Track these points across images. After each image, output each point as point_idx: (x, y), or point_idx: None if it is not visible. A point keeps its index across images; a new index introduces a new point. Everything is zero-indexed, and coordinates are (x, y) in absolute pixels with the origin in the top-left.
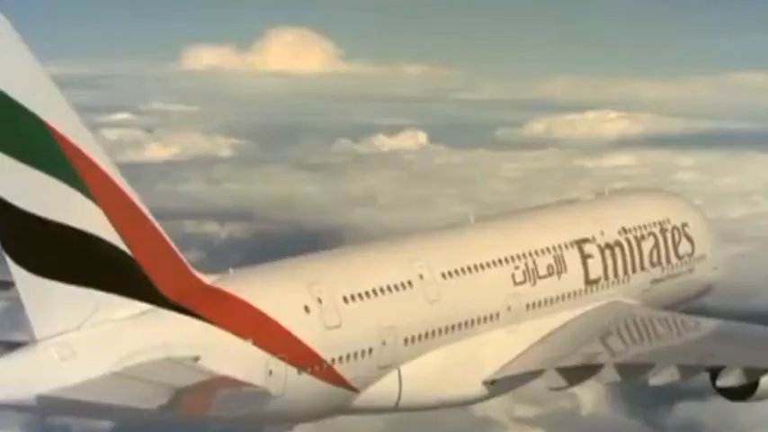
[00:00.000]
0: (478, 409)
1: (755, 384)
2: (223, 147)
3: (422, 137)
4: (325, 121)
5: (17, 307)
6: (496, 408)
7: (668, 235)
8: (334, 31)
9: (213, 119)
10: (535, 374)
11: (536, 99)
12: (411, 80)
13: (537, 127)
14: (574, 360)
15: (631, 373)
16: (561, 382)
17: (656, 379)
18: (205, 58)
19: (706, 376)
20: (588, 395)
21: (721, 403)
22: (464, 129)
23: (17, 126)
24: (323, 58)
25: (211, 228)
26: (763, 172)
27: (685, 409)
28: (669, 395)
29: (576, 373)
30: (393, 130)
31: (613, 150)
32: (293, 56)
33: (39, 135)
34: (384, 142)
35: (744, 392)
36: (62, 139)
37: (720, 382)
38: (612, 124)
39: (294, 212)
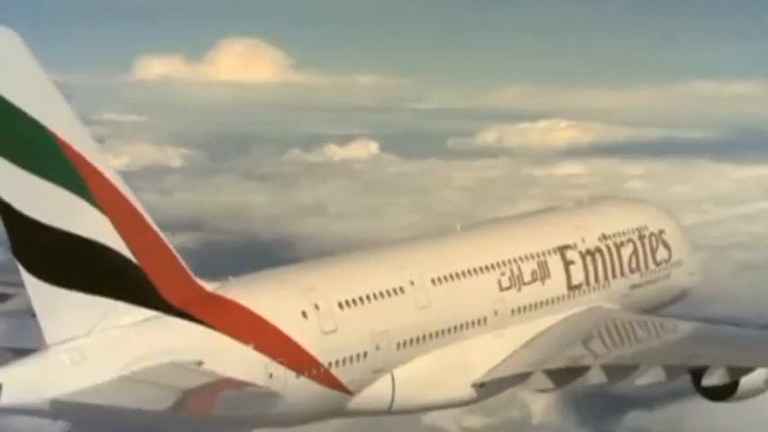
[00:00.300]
0: (427, 419)
1: (736, 384)
2: (174, 157)
3: (373, 146)
4: (276, 130)
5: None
6: (446, 417)
7: (646, 241)
8: (286, 42)
9: (164, 129)
10: (523, 377)
11: (488, 108)
12: (363, 90)
13: (488, 136)
14: (559, 363)
15: (617, 374)
16: (548, 383)
17: (643, 379)
18: (156, 68)
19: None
20: (539, 404)
21: (669, 413)
22: (416, 138)
23: (26, 136)
24: (274, 67)
25: None
26: (713, 180)
27: (635, 419)
28: (619, 404)
29: (563, 375)
30: (344, 140)
31: (564, 159)
32: (244, 66)
33: (46, 145)
34: (335, 152)
35: (725, 392)
36: (68, 148)
37: (706, 382)
38: (563, 133)
39: (245, 222)
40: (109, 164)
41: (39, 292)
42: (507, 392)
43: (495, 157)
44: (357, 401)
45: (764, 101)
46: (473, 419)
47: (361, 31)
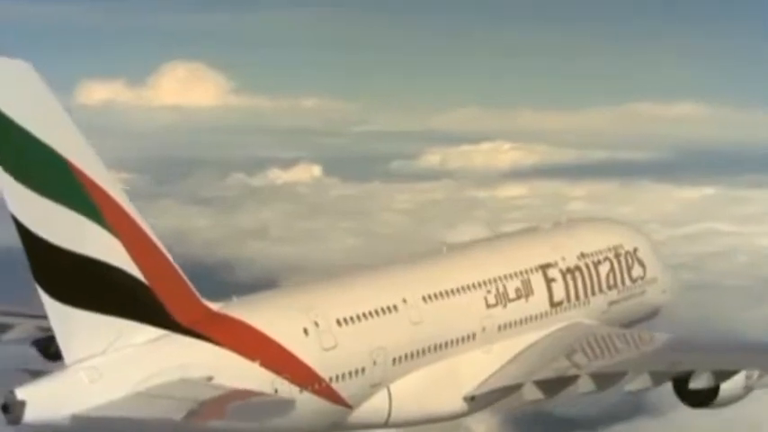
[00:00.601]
0: None
1: (716, 391)
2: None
3: (316, 170)
4: (219, 154)
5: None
6: None
7: (622, 259)
8: (228, 65)
9: (106, 153)
10: (513, 389)
11: (432, 131)
12: (306, 113)
13: (432, 159)
14: (548, 374)
15: (606, 382)
16: (539, 394)
17: (631, 385)
18: (98, 92)
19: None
20: (482, 428)
21: None
22: (359, 161)
23: (41, 163)
24: (217, 91)
25: None
26: (657, 201)
27: None
28: (562, 427)
29: (553, 385)
30: (287, 164)
31: (507, 181)
32: (187, 90)
33: (60, 171)
34: (278, 175)
35: (706, 399)
36: (81, 174)
37: (693, 385)
38: (507, 155)
39: (186, 247)
40: (119, 188)
41: (56, 312)
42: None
43: (438, 179)
44: (356, 416)
45: (708, 122)
46: None
47: (305, 55)
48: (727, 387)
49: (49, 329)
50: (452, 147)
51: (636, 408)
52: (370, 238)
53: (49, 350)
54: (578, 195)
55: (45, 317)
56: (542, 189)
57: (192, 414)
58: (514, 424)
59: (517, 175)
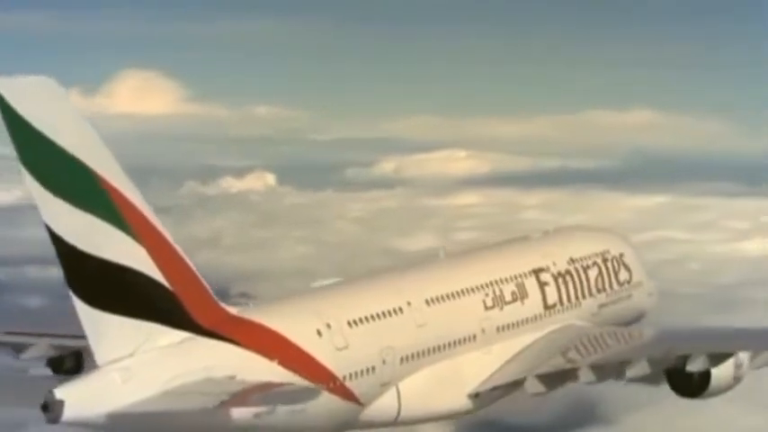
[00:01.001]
0: None
1: (707, 381)
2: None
3: (270, 178)
4: (172, 162)
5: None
6: None
7: (609, 264)
8: (183, 74)
9: None
10: (516, 384)
11: (386, 139)
12: (261, 121)
13: (386, 167)
14: (547, 369)
15: (605, 372)
16: (541, 387)
17: (631, 372)
18: None
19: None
20: None
21: None
22: (313, 169)
23: (71, 175)
24: (171, 100)
25: (54, 273)
26: (609, 210)
27: None
28: None
29: (555, 378)
30: (241, 172)
31: (460, 189)
32: (141, 98)
33: (88, 182)
34: (232, 184)
35: (698, 389)
36: (107, 184)
37: (690, 367)
38: (461, 163)
39: None
40: (140, 196)
41: (88, 316)
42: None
43: (392, 187)
44: (367, 413)
45: (662, 129)
46: None
47: (259, 63)
48: (717, 375)
49: (63, 348)
50: (407, 155)
51: (587, 415)
52: (322, 246)
53: (61, 368)
54: (532, 204)
55: (58, 335)
56: (496, 197)
57: (224, 404)
58: (467, 431)
59: (471, 183)
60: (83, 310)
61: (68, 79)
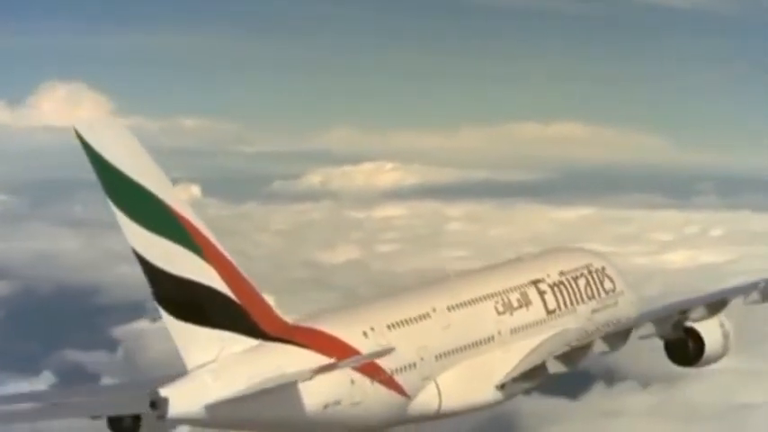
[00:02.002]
0: None
1: (701, 351)
2: None
3: (195, 190)
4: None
5: None
6: None
7: (594, 275)
8: (109, 86)
9: None
10: (538, 369)
11: (314, 151)
12: (187, 133)
13: (313, 179)
14: (564, 350)
15: (616, 340)
16: (561, 367)
17: (639, 332)
18: None
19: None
20: None
21: None
22: (240, 182)
23: (148, 207)
24: (97, 111)
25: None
26: (533, 222)
27: None
28: None
29: (572, 356)
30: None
31: (386, 201)
32: (67, 110)
33: (162, 212)
34: None
35: (694, 358)
36: (178, 215)
37: (693, 315)
38: (388, 175)
39: (55, 270)
40: (204, 223)
41: (175, 328)
42: None
43: (318, 200)
44: (414, 406)
45: (586, 142)
46: None
47: (185, 75)
48: (710, 343)
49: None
50: (334, 167)
51: (503, 431)
52: (242, 259)
53: (120, 426)
54: (456, 216)
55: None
56: (421, 209)
57: (311, 375)
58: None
59: (397, 195)
60: (169, 321)
61: None
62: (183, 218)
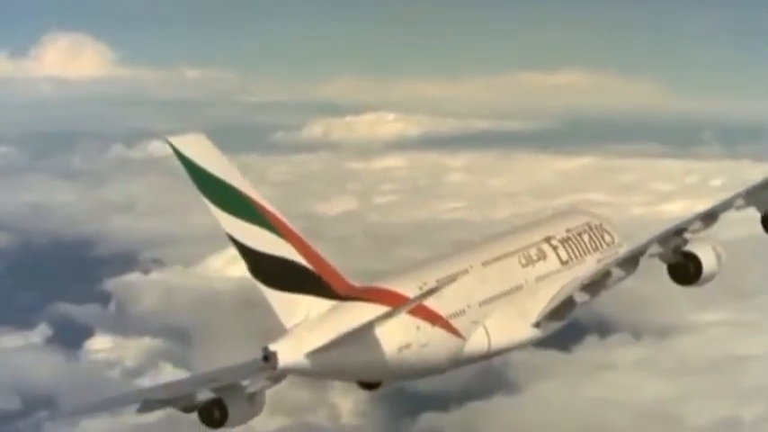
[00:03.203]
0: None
1: (699, 270)
2: None
3: None
4: (101, 126)
5: None
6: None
7: (595, 230)
8: (112, 36)
9: None
10: (566, 303)
11: (316, 101)
12: (190, 84)
13: (315, 129)
14: (586, 281)
15: (629, 264)
16: (585, 297)
17: (649, 252)
18: None
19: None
20: (346, 405)
21: (464, 414)
22: (241, 132)
23: (235, 201)
24: (100, 62)
25: None
26: (533, 172)
27: (428, 420)
28: (419, 402)
29: (594, 286)
30: (168, 136)
31: (387, 152)
32: (69, 61)
33: (246, 204)
34: (158, 147)
35: (693, 276)
36: (258, 205)
37: (691, 228)
38: (390, 126)
39: (50, 222)
40: (277, 210)
41: (271, 295)
42: (316, 394)
43: (318, 151)
44: (468, 347)
45: (590, 91)
46: (277, 421)
47: (187, 25)
48: (707, 262)
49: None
50: (336, 117)
51: (494, 384)
52: None
53: (211, 418)
54: (456, 166)
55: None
56: (421, 160)
57: (382, 318)
58: (375, 400)
59: (399, 145)
60: (266, 291)
61: None
62: (261, 206)
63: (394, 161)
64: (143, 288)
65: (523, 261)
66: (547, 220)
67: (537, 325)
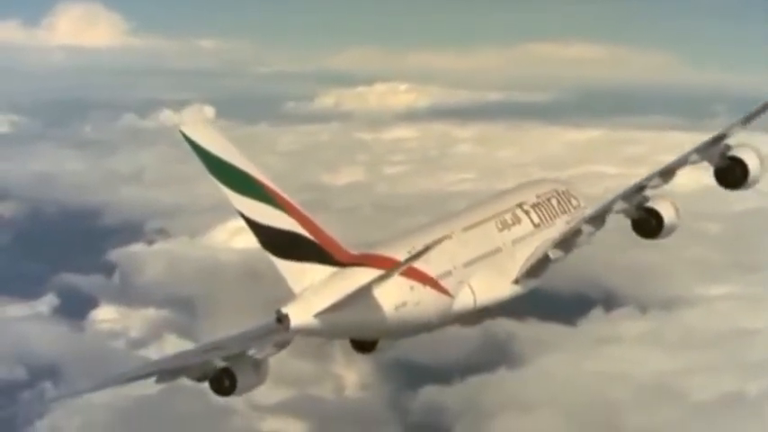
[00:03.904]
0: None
1: (661, 223)
2: (2, 123)
3: (209, 111)
4: (113, 96)
5: None
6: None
7: (562, 195)
8: (125, 5)
9: None
10: (542, 260)
11: (328, 72)
12: (204, 54)
13: (327, 100)
14: (558, 238)
15: (597, 221)
16: (560, 253)
17: (615, 208)
18: None
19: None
20: (351, 375)
21: (463, 388)
22: (254, 103)
23: (242, 180)
24: (113, 32)
25: None
26: (543, 144)
27: (430, 393)
28: (415, 380)
29: (567, 242)
30: (180, 105)
31: (397, 123)
32: (82, 30)
33: (252, 183)
34: (169, 117)
35: (656, 230)
36: (263, 184)
37: (651, 184)
38: (402, 97)
39: (57, 191)
40: (280, 188)
41: (280, 264)
42: (319, 367)
43: (329, 121)
44: (456, 304)
45: (604, 63)
46: (278, 394)
47: None
48: (668, 217)
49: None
50: (348, 88)
51: (498, 357)
52: None
53: (221, 387)
54: (466, 137)
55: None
56: (432, 131)
57: (379, 279)
58: (379, 372)
59: (410, 116)
60: (276, 261)
61: (7, 12)
62: (266, 185)
63: (404, 132)
64: (147, 259)
65: (500, 226)
66: (518, 188)
67: (516, 282)
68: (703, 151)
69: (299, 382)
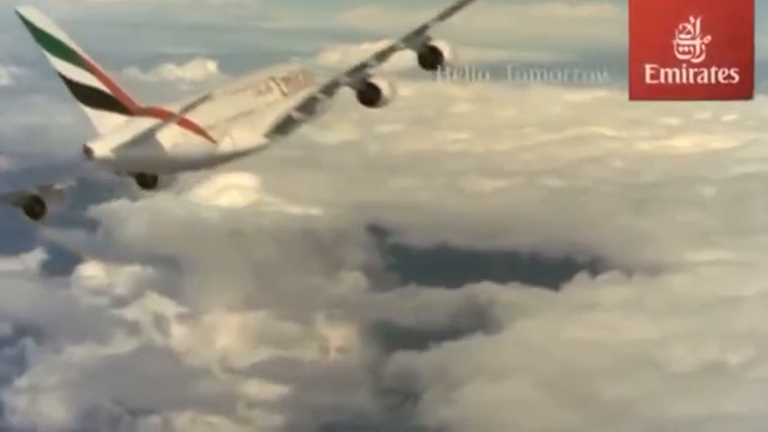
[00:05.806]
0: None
1: (379, 92)
2: (3, 76)
3: (211, 66)
4: (115, 48)
5: None
6: (209, 358)
7: (308, 74)
8: None
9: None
10: (286, 120)
11: (335, 28)
12: (209, 7)
13: (331, 56)
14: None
15: (330, 89)
16: (300, 115)
17: (343, 80)
18: None
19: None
20: (337, 335)
21: (437, 353)
22: (257, 58)
23: (64, 51)
24: None
25: None
26: (544, 104)
27: (402, 358)
28: (393, 344)
29: (306, 108)
30: (183, 59)
31: (398, 81)
32: None
33: (73, 55)
34: (172, 71)
35: (374, 98)
36: (79, 54)
37: (370, 64)
38: (404, 53)
39: (44, 144)
40: (93, 60)
41: (88, 112)
42: (307, 328)
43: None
44: (220, 148)
45: (613, 23)
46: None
47: None
48: (384, 88)
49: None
50: (353, 45)
51: (476, 321)
52: None
53: (33, 212)
54: (465, 96)
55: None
56: (430, 89)
57: (160, 124)
58: (363, 334)
59: (411, 74)
60: (86, 109)
61: None
62: (80, 54)
63: (404, 90)
64: (131, 215)
65: (255, 93)
66: (271, 69)
67: (266, 136)
68: (409, 41)
69: (279, 342)
